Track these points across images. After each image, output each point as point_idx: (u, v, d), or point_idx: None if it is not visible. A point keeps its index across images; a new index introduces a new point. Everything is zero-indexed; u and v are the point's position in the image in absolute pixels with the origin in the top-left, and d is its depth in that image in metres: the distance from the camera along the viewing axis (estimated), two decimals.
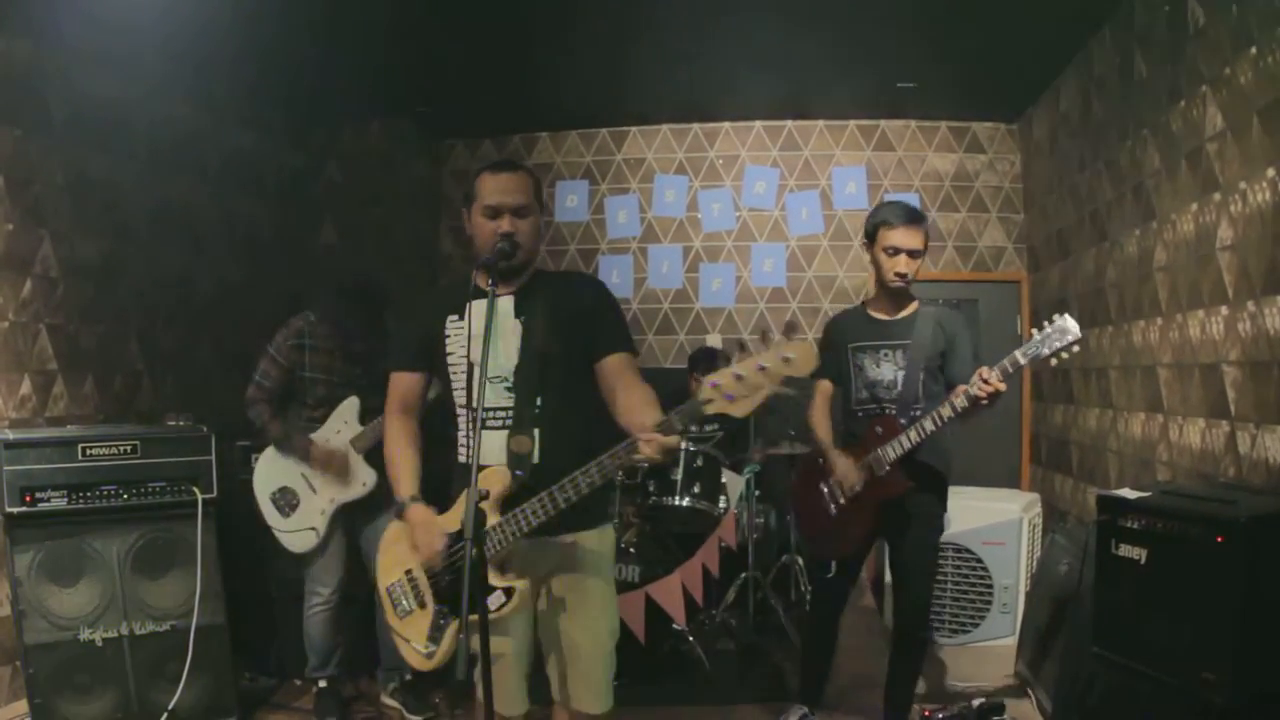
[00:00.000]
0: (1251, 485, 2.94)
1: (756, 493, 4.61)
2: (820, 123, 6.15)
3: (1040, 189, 5.63)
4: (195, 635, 3.25)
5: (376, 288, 3.64)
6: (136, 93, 4.32)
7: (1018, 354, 2.70)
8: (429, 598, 2.23)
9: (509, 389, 2.19)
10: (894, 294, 3.09)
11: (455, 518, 2.17)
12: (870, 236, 3.08)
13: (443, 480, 2.31)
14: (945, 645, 4.36)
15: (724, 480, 4.47)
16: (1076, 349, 2.68)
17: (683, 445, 4.46)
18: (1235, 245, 3.13)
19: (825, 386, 3.26)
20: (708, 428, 4.72)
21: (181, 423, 3.60)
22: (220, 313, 4.87)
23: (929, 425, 2.85)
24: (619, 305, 2.38)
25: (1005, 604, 4.34)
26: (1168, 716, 2.42)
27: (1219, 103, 3.25)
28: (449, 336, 2.27)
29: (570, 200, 6.36)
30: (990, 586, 4.37)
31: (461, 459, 2.26)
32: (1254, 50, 2.99)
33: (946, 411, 2.80)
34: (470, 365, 2.07)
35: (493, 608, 2.03)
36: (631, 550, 4.02)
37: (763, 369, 1.74)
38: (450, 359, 2.27)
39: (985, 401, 2.70)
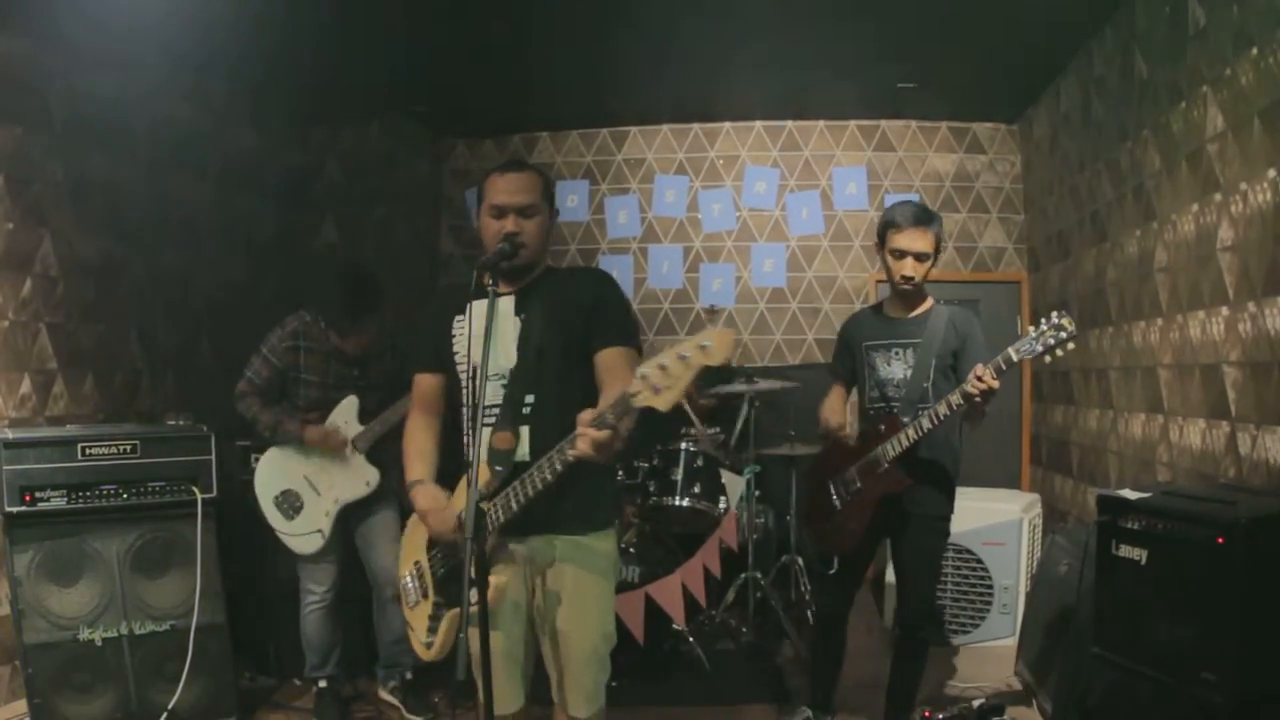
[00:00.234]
0: (1252, 486, 2.93)
1: (756, 493, 4.60)
2: (821, 123, 6.15)
3: (1040, 189, 5.63)
4: (195, 635, 3.25)
5: (370, 281, 3.44)
6: (137, 92, 4.32)
7: (1010, 351, 2.69)
8: (430, 589, 2.29)
9: (505, 387, 2.21)
10: (906, 294, 3.09)
11: (456, 507, 2.22)
12: (880, 238, 3.07)
13: (441, 478, 2.36)
14: (945, 646, 4.36)
15: (724, 480, 4.47)
16: (1072, 346, 2.66)
17: (683, 446, 4.46)
18: (1236, 246, 3.13)
19: (838, 389, 3.28)
20: (709, 429, 4.72)
21: (181, 422, 3.61)
22: (220, 313, 4.86)
23: (926, 423, 2.85)
24: (624, 299, 2.37)
25: (1005, 605, 4.34)
26: (1168, 717, 2.41)
27: (1219, 103, 3.25)
28: (454, 336, 2.30)
29: (570, 200, 6.36)
30: (990, 587, 4.37)
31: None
32: (1255, 51, 2.99)
33: (943, 409, 2.80)
34: (471, 365, 2.08)
35: (472, 600, 2.03)
36: (631, 550, 4.03)
37: (683, 358, 1.73)
38: (456, 358, 2.29)
39: (979, 399, 2.70)
